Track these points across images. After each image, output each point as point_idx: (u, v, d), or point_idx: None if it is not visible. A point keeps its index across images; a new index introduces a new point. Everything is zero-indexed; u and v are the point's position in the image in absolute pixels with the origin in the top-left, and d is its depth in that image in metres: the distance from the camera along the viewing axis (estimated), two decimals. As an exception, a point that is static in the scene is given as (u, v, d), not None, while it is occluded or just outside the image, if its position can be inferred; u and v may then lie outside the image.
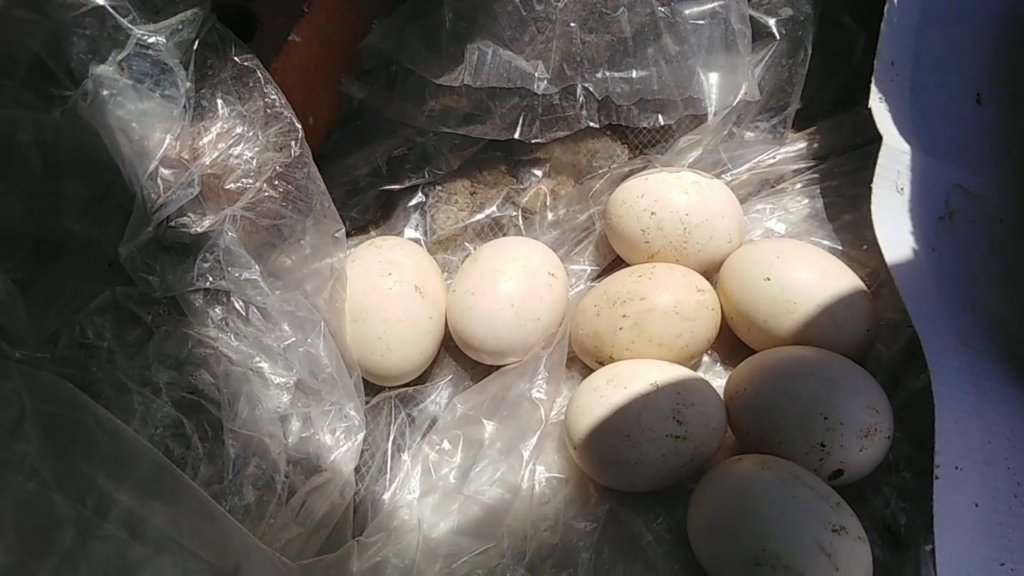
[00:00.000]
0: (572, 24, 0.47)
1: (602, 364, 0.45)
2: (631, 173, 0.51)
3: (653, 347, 0.43)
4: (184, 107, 0.41)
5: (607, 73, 0.48)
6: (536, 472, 0.42)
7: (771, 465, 0.38)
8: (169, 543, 0.36)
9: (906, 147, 0.46)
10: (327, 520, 0.42)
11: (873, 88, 0.47)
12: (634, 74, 0.48)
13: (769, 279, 0.43)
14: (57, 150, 0.42)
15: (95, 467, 0.36)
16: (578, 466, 0.42)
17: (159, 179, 0.41)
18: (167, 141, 0.41)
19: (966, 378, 0.40)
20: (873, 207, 0.44)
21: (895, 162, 0.45)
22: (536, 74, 0.48)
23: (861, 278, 0.44)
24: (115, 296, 0.45)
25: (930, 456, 0.38)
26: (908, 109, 0.47)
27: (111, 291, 0.45)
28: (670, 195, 0.46)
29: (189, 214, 0.42)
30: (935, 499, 0.36)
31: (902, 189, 0.45)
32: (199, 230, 0.42)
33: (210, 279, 0.42)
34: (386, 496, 0.43)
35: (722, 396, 0.42)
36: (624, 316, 0.43)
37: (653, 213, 0.46)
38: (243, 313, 0.44)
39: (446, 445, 0.43)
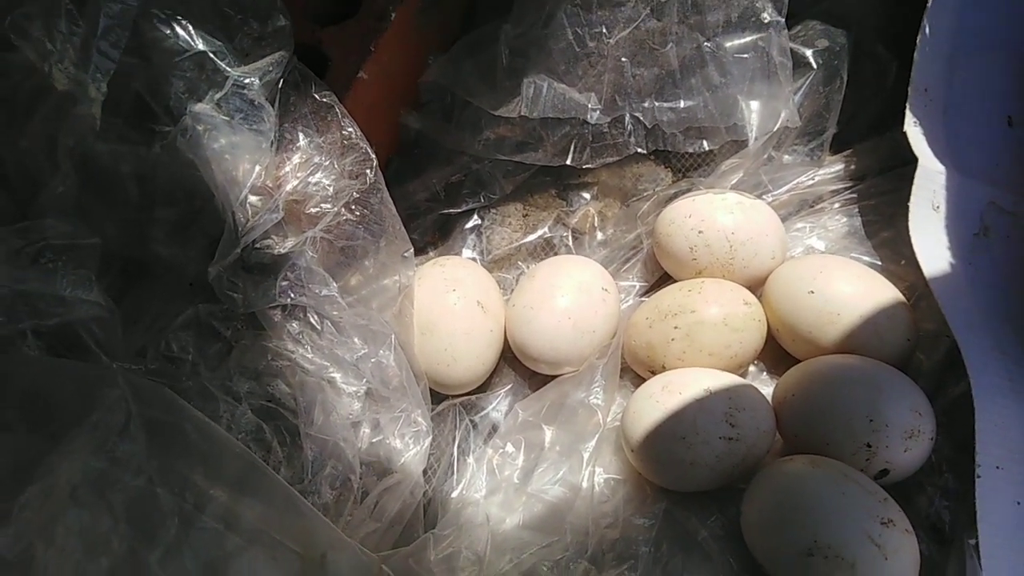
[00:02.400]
0: (623, 59, 0.51)
1: (654, 373, 0.48)
2: (677, 195, 0.55)
3: (704, 356, 0.46)
4: (271, 141, 0.45)
5: (655, 103, 0.51)
6: (595, 473, 0.45)
7: (820, 464, 0.40)
8: (261, 535, 0.39)
9: (941, 168, 0.49)
10: (400, 517, 0.44)
11: (908, 113, 0.50)
12: (681, 104, 0.51)
13: (813, 292, 0.46)
14: (154, 182, 0.46)
15: (193, 465, 0.40)
16: (635, 468, 0.45)
17: (248, 205, 0.45)
18: (256, 171, 0.45)
19: (1005, 384, 0.42)
20: (911, 224, 0.46)
21: (931, 182, 0.48)
22: (589, 105, 0.51)
23: (900, 291, 0.47)
24: (198, 313, 0.49)
25: (971, 458, 0.40)
26: (942, 132, 0.50)
27: (194, 308, 0.49)
28: (716, 215, 0.49)
29: (272, 236, 0.46)
30: (977, 497, 0.38)
31: (938, 207, 0.47)
32: (281, 251, 0.46)
33: (291, 295, 0.46)
34: (454, 495, 0.46)
35: (770, 402, 0.45)
36: (676, 328, 0.46)
37: (700, 232, 0.49)
38: (318, 327, 0.47)
39: (509, 448, 0.46)
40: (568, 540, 0.42)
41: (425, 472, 0.48)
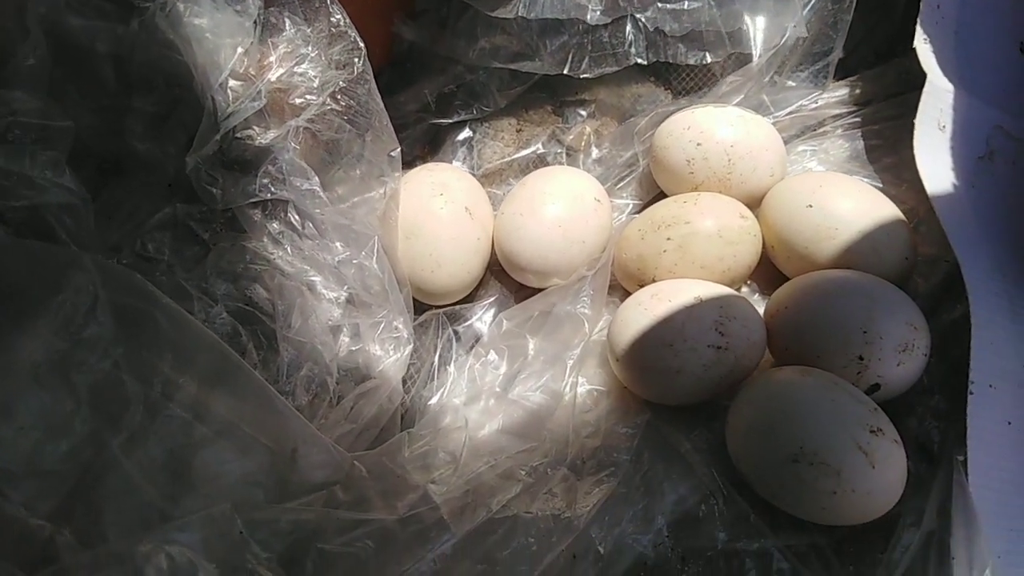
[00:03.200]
0: (627, -42, 0.49)
1: (643, 287, 0.46)
2: (676, 111, 0.53)
3: (696, 269, 0.45)
4: (255, 22, 0.43)
5: (658, 6, 0.49)
6: (579, 383, 0.43)
7: (810, 373, 0.39)
8: (231, 427, 0.38)
9: (949, 86, 0.47)
10: (375, 421, 0.43)
11: (918, 29, 0.48)
12: (685, 6, 0.49)
13: (811, 206, 0.44)
14: (131, 63, 0.44)
15: (162, 353, 0.38)
16: (619, 381, 0.44)
17: (228, 90, 0.43)
18: (237, 53, 0.42)
19: (1004, 304, 0.41)
20: (915, 142, 0.45)
21: (938, 100, 0.46)
22: (589, 5, 0.49)
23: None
24: (175, 213, 0.47)
25: (965, 380, 0.39)
26: (952, 51, 0.48)
27: (172, 208, 0.47)
28: (716, 127, 0.48)
29: (254, 127, 0.44)
30: (968, 413, 0.37)
31: (944, 127, 0.46)
32: (263, 143, 0.44)
33: (272, 190, 0.44)
34: (432, 402, 0.45)
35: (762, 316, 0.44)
36: (668, 239, 0.45)
37: (699, 144, 0.47)
38: (299, 228, 0.45)
39: (491, 356, 0.45)
40: (547, 447, 0.40)
41: (404, 381, 0.46)
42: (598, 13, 0.49)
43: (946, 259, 0.46)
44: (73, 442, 0.36)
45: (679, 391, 0.41)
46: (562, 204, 0.47)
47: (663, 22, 0.49)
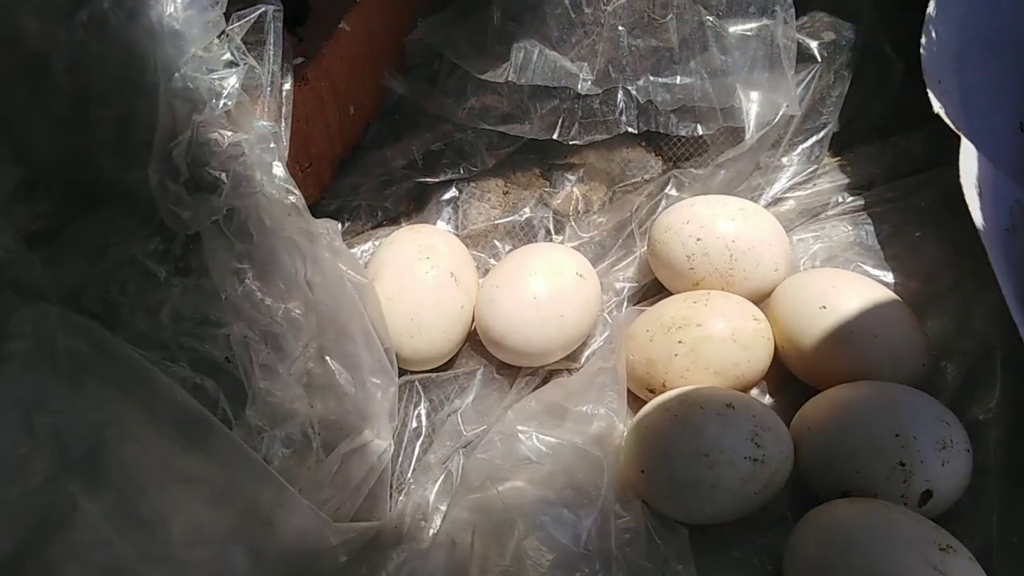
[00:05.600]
0: (620, 28, 0.48)
1: (652, 392, 0.44)
2: (668, 180, 0.52)
3: (709, 375, 0.42)
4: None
5: (650, 79, 0.49)
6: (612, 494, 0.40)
7: (858, 502, 0.38)
8: (201, 488, 0.35)
9: (975, 150, 0.46)
10: (364, 482, 0.40)
11: (932, 97, 0.46)
12: (677, 80, 0.48)
13: (825, 307, 0.43)
14: (83, 68, 0.38)
15: (124, 410, 0.36)
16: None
17: (191, 88, 0.37)
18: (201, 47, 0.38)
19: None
20: (965, 191, 0.43)
21: (972, 161, 0.44)
22: (580, 75, 0.48)
23: (909, 305, 0.44)
24: (132, 250, 0.44)
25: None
26: (963, 123, 0.47)
27: (128, 247, 0.43)
28: (716, 222, 0.46)
29: (219, 131, 0.40)
30: None
31: (980, 191, 0.44)
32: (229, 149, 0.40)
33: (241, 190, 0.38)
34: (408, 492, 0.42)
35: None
36: (680, 342, 0.43)
37: (699, 239, 0.46)
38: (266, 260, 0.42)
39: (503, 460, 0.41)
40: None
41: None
42: (589, 83, 0.48)
43: (963, 351, 0.45)
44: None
45: (714, 507, 0.39)
46: (539, 277, 0.45)
47: (655, 94, 0.48)
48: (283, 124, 0.43)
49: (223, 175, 0.38)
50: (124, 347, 0.35)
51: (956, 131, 0.45)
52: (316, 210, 0.55)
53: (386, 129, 0.57)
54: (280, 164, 0.38)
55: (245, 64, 0.38)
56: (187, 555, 0.33)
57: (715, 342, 0.42)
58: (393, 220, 0.55)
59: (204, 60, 0.38)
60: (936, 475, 0.38)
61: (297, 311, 0.40)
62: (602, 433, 0.41)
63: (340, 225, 0.54)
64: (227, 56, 0.38)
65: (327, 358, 0.41)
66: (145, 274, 0.43)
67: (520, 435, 0.41)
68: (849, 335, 0.42)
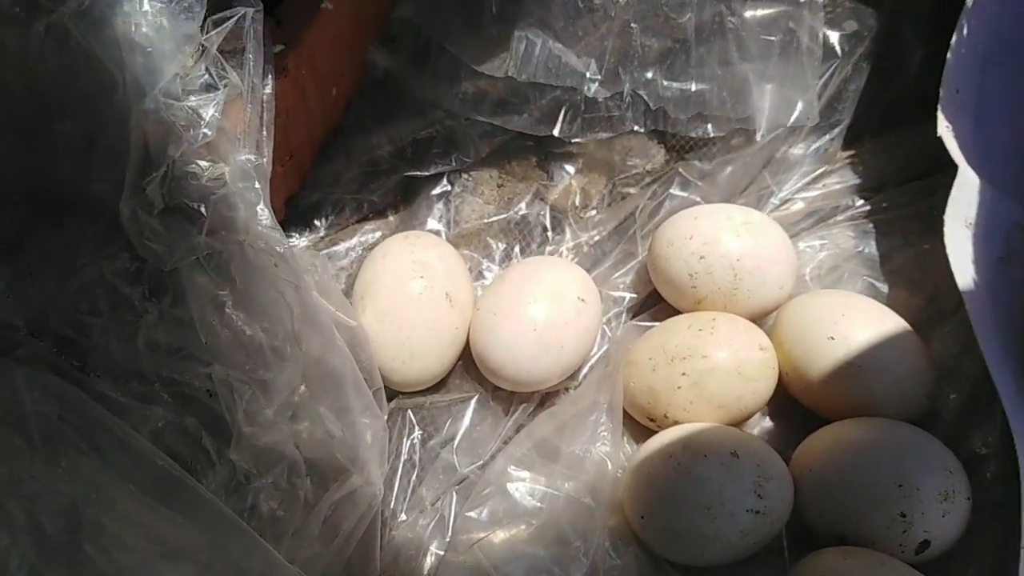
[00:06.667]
0: (632, 23, 0.44)
1: (653, 421, 0.43)
2: (670, 183, 0.49)
3: (712, 408, 0.41)
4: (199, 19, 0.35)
5: (661, 80, 0.45)
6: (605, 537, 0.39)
7: (854, 555, 0.37)
8: (182, 556, 0.34)
9: (976, 180, 0.44)
10: (355, 532, 0.39)
11: (940, 116, 0.45)
12: (692, 87, 0.45)
13: (833, 339, 0.41)
14: (41, 78, 0.36)
15: (101, 477, 0.34)
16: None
17: (167, 111, 0.34)
18: (179, 60, 0.34)
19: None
20: (947, 240, 0.42)
21: (967, 194, 0.43)
22: (587, 73, 0.45)
23: (910, 324, 0.43)
24: (102, 272, 0.41)
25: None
26: (972, 139, 0.45)
27: (98, 266, 0.40)
28: (720, 237, 0.44)
29: (199, 161, 0.36)
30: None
31: (970, 224, 0.43)
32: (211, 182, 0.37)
33: (223, 234, 0.36)
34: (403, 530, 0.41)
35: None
36: (684, 374, 0.41)
37: (702, 257, 0.43)
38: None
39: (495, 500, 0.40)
40: None
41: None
42: (596, 85, 0.44)
43: (966, 376, 0.44)
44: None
45: (709, 557, 0.38)
46: (541, 304, 0.42)
47: (666, 98, 0.45)
48: (264, 134, 0.39)
49: (202, 207, 0.35)
50: (98, 408, 0.33)
51: (955, 160, 0.44)
52: (297, 202, 0.52)
53: (370, 109, 0.53)
54: (266, 208, 0.35)
55: (226, 86, 0.34)
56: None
57: (720, 375, 0.41)
58: (380, 214, 0.52)
59: (180, 81, 0.33)
60: (935, 526, 0.37)
61: (283, 351, 0.38)
62: (594, 480, 0.40)
63: (323, 220, 0.52)
64: (205, 78, 0.33)
65: (314, 401, 0.38)
66: (117, 294, 0.40)
67: (510, 486, 0.40)
68: (858, 369, 0.41)
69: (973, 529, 0.40)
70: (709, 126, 0.48)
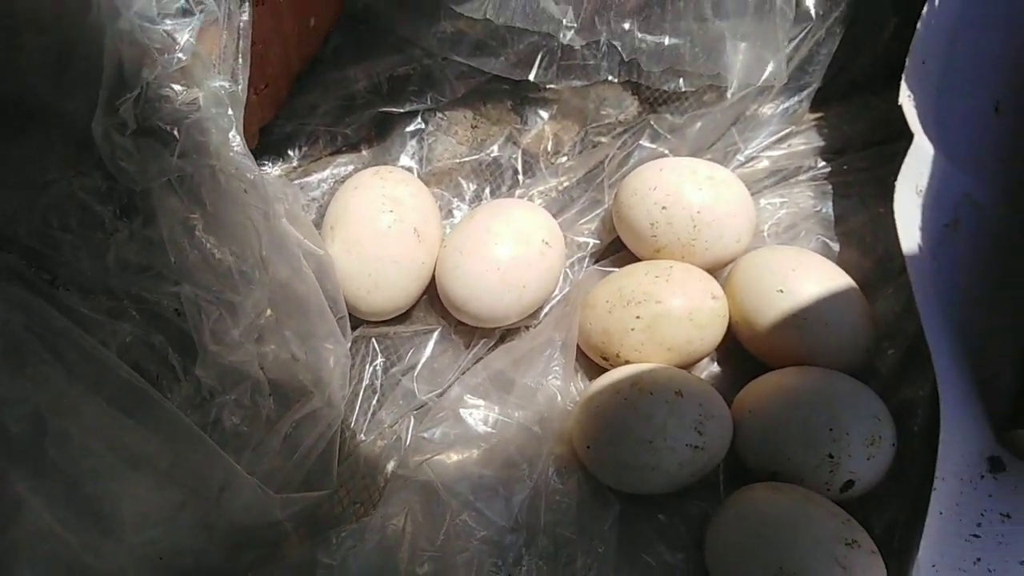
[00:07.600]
0: (610, -29, 0.44)
1: (606, 359, 0.45)
2: (640, 134, 0.50)
3: (663, 351, 0.43)
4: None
5: (638, 34, 0.45)
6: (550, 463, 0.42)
7: (781, 489, 0.39)
8: (146, 464, 0.36)
9: (931, 148, 0.46)
10: (314, 449, 0.41)
11: (903, 85, 0.46)
12: (666, 41, 0.45)
13: (783, 292, 0.43)
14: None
15: (67, 384, 0.35)
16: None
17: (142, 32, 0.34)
18: None
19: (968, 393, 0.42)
20: (896, 205, 0.44)
21: (920, 163, 0.45)
22: (564, 21, 0.45)
23: (857, 282, 0.45)
24: (71, 187, 0.41)
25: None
26: (932, 110, 0.47)
27: (68, 183, 0.41)
28: (683, 190, 0.45)
29: (173, 85, 0.37)
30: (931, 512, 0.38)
31: (920, 191, 0.45)
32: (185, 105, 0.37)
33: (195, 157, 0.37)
34: (364, 445, 0.43)
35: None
36: (638, 318, 0.43)
37: (664, 208, 0.45)
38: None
39: (452, 423, 0.42)
40: (519, 532, 0.39)
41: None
42: (572, 33, 0.45)
43: (905, 333, 0.46)
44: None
45: (648, 486, 0.41)
46: (505, 245, 0.44)
47: (641, 52, 0.46)
48: (240, 61, 0.39)
49: (175, 130, 0.36)
50: (64, 321, 0.34)
51: (912, 128, 0.45)
52: (271, 131, 0.52)
53: (347, 42, 0.53)
54: (238, 135, 0.35)
55: (202, 11, 0.34)
56: (136, 536, 0.33)
57: (672, 320, 0.43)
58: (353, 147, 0.52)
59: (155, 4, 0.34)
60: (860, 467, 0.40)
61: (251, 275, 0.39)
62: (544, 411, 0.42)
63: (297, 151, 0.52)
64: (181, 3, 0.34)
65: (280, 324, 0.40)
66: (87, 211, 0.40)
67: (464, 412, 0.42)
68: (803, 321, 0.43)
69: (896, 474, 0.42)
70: (681, 80, 0.48)
